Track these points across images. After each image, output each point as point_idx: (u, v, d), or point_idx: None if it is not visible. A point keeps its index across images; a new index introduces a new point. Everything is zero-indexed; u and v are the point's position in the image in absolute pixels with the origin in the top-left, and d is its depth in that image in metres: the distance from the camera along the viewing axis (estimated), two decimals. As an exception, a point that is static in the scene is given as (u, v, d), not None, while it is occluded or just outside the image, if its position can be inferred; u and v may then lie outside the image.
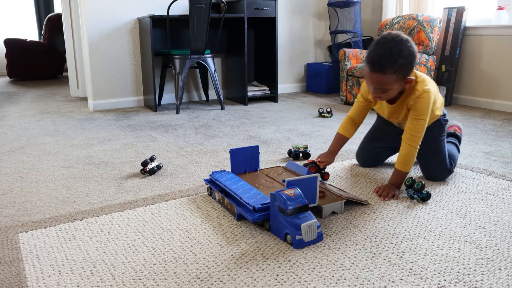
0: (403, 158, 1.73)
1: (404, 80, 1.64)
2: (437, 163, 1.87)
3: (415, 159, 1.79)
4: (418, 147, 1.72)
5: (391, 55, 1.57)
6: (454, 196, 1.72)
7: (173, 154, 2.37)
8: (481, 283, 1.13)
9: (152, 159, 2.06)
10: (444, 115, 1.90)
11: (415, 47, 1.64)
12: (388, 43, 1.59)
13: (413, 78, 1.68)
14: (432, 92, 1.71)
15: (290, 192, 1.35)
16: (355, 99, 1.96)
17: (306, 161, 1.99)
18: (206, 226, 1.48)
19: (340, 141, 1.96)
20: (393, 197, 1.70)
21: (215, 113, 3.58)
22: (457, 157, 1.99)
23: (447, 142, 2.04)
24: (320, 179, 1.89)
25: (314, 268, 1.21)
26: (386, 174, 2.00)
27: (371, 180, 1.92)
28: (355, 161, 2.19)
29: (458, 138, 2.14)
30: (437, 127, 1.87)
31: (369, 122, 3.11)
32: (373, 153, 2.08)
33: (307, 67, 4.71)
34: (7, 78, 6.48)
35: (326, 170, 1.99)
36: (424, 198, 1.65)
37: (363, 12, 4.75)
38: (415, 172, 2.02)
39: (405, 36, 1.62)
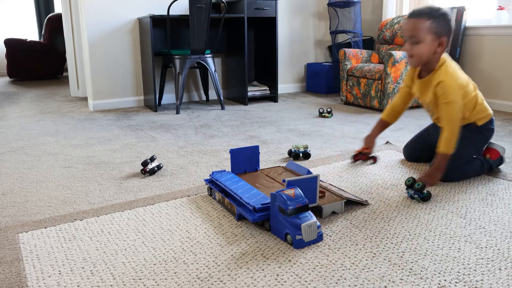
0: (444, 141, 1.76)
1: (437, 39, 1.74)
2: (456, 162, 1.84)
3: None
4: (458, 129, 1.75)
5: (430, 8, 1.76)
6: (454, 196, 1.72)
7: (173, 154, 2.37)
8: (481, 283, 1.13)
9: (152, 159, 2.06)
10: (484, 125, 1.89)
11: (453, 22, 1.81)
12: (427, 6, 1.80)
13: (445, 42, 1.76)
14: (457, 78, 1.78)
15: (290, 192, 1.35)
16: (399, 87, 2.08)
17: (355, 152, 2.15)
18: (206, 226, 1.48)
19: (381, 125, 2.09)
20: (434, 182, 1.77)
21: (215, 113, 3.58)
22: (471, 173, 1.91)
23: (474, 158, 1.95)
24: (374, 161, 2.13)
25: (314, 268, 1.21)
26: (386, 174, 2.00)
27: (371, 180, 1.92)
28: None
29: (490, 164, 1.97)
30: (470, 131, 1.88)
31: (363, 120, 3.11)
32: (420, 148, 2.12)
33: (307, 67, 4.71)
34: (7, 78, 6.48)
35: (373, 154, 2.16)
36: (425, 198, 1.65)
37: (363, 12, 4.75)
38: (417, 173, 2.02)
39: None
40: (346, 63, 3.84)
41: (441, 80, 1.76)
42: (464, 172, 1.89)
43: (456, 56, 3.69)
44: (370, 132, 2.12)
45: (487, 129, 1.92)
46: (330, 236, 1.39)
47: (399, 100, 2.04)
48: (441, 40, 1.75)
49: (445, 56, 1.83)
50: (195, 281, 1.15)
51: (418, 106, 3.73)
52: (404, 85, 2.02)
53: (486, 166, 1.95)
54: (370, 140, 2.10)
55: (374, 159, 2.13)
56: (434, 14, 1.73)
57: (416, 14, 1.75)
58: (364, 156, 2.09)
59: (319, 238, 1.35)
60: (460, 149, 1.82)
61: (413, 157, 2.15)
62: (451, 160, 1.80)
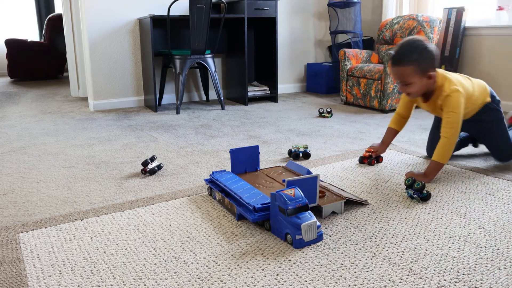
0: (439, 150, 1.85)
1: (425, 74, 1.82)
2: (503, 144, 2.04)
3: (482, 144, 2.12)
4: (455, 141, 1.84)
5: (406, 50, 1.81)
6: (454, 196, 1.72)
7: (173, 154, 2.38)
8: (481, 283, 1.13)
9: (152, 159, 2.06)
10: (492, 101, 2.01)
11: (433, 46, 1.83)
12: (405, 42, 1.84)
13: (434, 73, 1.84)
14: (460, 90, 1.85)
15: (290, 192, 1.36)
16: (401, 97, 2.17)
17: (364, 155, 2.17)
18: (207, 226, 1.48)
19: (391, 134, 2.17)
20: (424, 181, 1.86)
21: (216, 113, 3.58)
22: None
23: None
24: (380, 160, 2.18)
25: (314, 268, 1.21)
26: (386, 174, 2.00)
27: (371, 180, 1.92)
28: (355, 161, 2.19)
29: None
30: (489, 111, 2.01)
31: (363, 121, 3.11)
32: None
33: (307, 67, 4.71)
34: (8, 78, 6.49)
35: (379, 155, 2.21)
36: (424, 198, 1.66)
37: (363, 12, 4.75)
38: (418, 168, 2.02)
39: (422, 38, 1.87)
40: (346, 63, 3.85)
41: (448, 95, 1.84)
42: None
43: (456, 56, 3.70)
44: (382, 140, 2.17)
45: (492, 101, 2.02)
46: (330, 236, 1.40)
47: (403, 109, 2.14)
48: (429, 74, 1.83)
49: (440, 72, 1.90)
50: (195, 281, 1.16)
51: (416, 107, 3.73)
52: (406, 97, 2.09)
53: None
54: (383, 148, 2.17)
55: (380, 159, 2.19)
56: (413, 57, 1.79)
57: (397, 62, 1.82)
58: (373, 160, 2.15)
59: (319, 238, 1.36)
60: (502, 134, 2.03)
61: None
62: (504, 144, 2.03)
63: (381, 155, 2.20)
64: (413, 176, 1.88)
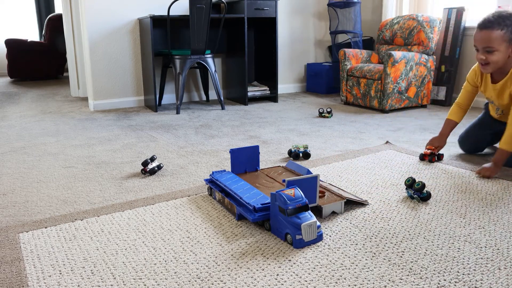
0: (507, 138, 1.90)
1: (511, 45, 1.82)
2: None
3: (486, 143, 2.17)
4: None
5: (499, 16, 1.81)
6: (454, 196, 1.72)
7: (173, 154, 2.38)
8: (481, 283, 1.13)
9: (152, 159, 2.06)
10: None
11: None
12: (498, 11, 1.85)
13: None
14: None
15: (290, 192, 1.36)
16: (462, 87, 2.19)
17: (423, 152, 2.19)
18: (207, 226, 1.48)
19: (450, 125, 2.20)
20: (490, 174, 1.90)
21: (216, 113, 3.58)
22: None
23: None
24: (441, 158, 2.19)
25: (314, 268, 1.21)
26: (386, 174, 2.00)
27: (371, 180, 1.92)
28: (355, 161, 2.19)
29: None
30: None
31: (363, 121, 3.11)
32: (476, 139, 2.24)
33: (307, 67, 4.71)
34: (8, 78, 6.49)
35: (441, 152, 2.27)
36: (424, 198, 1.66)
37: (363, 12, 4.76)
38: (416, 173, 2.02)
39: None
40: (346, 63, 3.85)
41: None
42: None
43: (456, 56, 3.70)
44: (441, 132, 2.21)
45: None
46: (330, 236, 1.40)
47: (464, 99, 2.17)
48: None
49: None
50: (195, 281, 1.16)
51: (416, 107, 3.73)
52: (469, 85, 2.14)
53: None
54: (442, 140, 2.20)
55: (442, 156, 2.20)
56: (506, 22, 1.80)
57: (488, 25, 1.82)
58: (433, 157, 2.16)
59: (319, 238, 1.36)
60: None
61: (472, 148, 2.25)
62: None
63: (442, 153, 2.23)
64: (483, 169, 1.92)
